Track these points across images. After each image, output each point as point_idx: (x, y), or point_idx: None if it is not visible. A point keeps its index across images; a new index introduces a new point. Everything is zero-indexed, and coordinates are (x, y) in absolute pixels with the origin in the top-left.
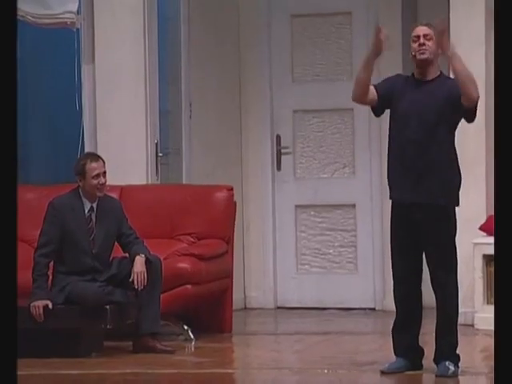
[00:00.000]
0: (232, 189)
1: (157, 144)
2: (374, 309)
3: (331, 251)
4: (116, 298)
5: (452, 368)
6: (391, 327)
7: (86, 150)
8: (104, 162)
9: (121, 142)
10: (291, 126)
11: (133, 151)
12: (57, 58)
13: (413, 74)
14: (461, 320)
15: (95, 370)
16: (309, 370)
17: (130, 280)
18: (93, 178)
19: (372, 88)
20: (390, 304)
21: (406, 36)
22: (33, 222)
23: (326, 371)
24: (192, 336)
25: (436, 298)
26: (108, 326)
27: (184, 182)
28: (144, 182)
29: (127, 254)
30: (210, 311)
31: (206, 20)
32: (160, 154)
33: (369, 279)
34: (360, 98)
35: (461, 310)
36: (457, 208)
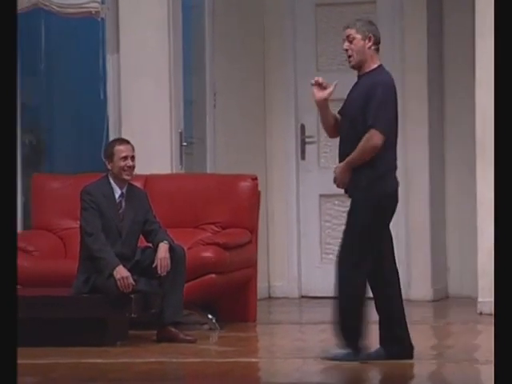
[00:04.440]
0: (256, 178)
1: (181, 133)
2: None
3: None
4: (140, 287)
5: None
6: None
7: (111, 139)
8: (133, 148)
9: (145, 132)
10: (315, 115)
11: (157, 141)
12: (81, 47)
13: None
14: None
15: (120, 358)
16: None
17: (154, 266)
18: (121, 159)
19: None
20: (415, 293)
21: (431, 24)
22: (58, 211)
23: None
24: (216, 325)
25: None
26: (132, 315)
27: (208, 172)
28: (168, 172)
29: (150, 244)
30: (235, 300)
31: (230, 9)
32: (184, 144)
33: None
34: (332, 135)
35: None
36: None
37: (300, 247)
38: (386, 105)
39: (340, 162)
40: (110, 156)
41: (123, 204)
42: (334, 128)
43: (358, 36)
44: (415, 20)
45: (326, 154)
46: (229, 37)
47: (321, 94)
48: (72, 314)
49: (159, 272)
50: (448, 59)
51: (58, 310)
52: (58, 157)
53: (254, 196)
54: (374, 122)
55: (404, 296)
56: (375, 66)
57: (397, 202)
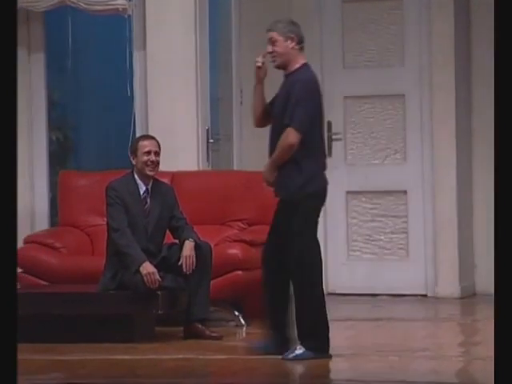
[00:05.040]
0: None
1: (208, 130)
2: (425, 295)
3: (382, 237)
4: (167, 284)
5: (299, 352)
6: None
7: (137, 136)
8: (159, 144)
9: (172, 129)
10: (342, 112)
11: (184, 137)
12: (108, 44)
13: None
14: None
15: (147, 355)
16: (360, 356)
17: (179, 264)
18: (144, 154)
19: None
20: (442, 290)
21: (458, 17)
22: (85, 208)
23: (377, 357)
24: (243, 322)
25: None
26: (159, 312)
27: (235, 168)
28: (195, 169)
29: (177, 241)
30: (261, 297)
31: (257, 5)
32: (211, 141)
33: (420, 265)
34: (258, 123)
35: None
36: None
37: (326, 244)
38: (304, 103)
39: (269, 156)
40: (134, 151)
41: (148, 200)
42: (261, 115)
43: (281, 38)
44: (442, 14)
45: (353, 150)
46: (255, 33)
47: (261, 73)
48: (99, 311)
49: (184, 270)
50: (476, 52)
51: (85, 307)
52: (85, 154)
53: None
54: (290, 121)
55: (431, 293)
56: (299, 65)
57: (324, 201)
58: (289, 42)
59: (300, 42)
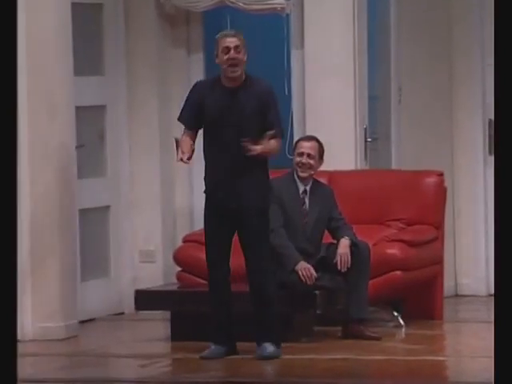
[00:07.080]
0: (442, 174)
1: (365, 129)
2: None
3: None
4: (325, 283)
5: (272, 348)
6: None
7: (295, 135)
8: (320, 147)
9: (329, 128)
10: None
11: (341, 136)
12: (266, 43)
13: (219, 79)
14: None
15: (305, 354)
16: None
17: (334, 261)
18: (297, 154)
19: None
20: None
21: None
22: None
23: None
24: (402, 322)
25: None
26: (317, 312)
27: (393, 167)
28: (352, 168)
29: (335, 241)
30: (420, 298)
31: (415, 2)
32: (369, 140)
33: None
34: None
35: None
36: None
37: (488, 244)
38: (279, 114)
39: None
40: (292, 151)
41: (306, 200)
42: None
43: (244, 49)
44: None
45: None
46: (414, 31)
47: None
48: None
49: (339, 268)
50: None
51: (242, 306)
52: None
53: (440, 192)
54: (278, 132)
55: None
56: (245, 76)
57: None
58: (246, 54)
59: None
